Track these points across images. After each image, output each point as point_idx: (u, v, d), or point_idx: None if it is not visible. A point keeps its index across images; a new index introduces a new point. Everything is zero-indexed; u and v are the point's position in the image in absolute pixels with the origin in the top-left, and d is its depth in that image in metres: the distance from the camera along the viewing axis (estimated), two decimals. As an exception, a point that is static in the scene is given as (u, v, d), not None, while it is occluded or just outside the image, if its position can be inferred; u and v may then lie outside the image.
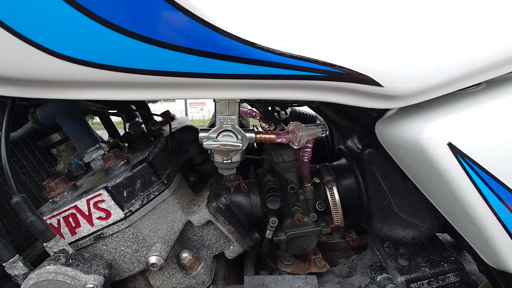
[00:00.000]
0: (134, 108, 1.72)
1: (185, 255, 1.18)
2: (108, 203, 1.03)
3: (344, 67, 0.75)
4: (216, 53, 0.72)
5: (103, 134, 1.89)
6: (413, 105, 0.87)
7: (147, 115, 1.62)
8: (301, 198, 1.31)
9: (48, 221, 1.01)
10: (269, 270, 1.40)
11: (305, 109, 2.14)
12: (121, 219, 1.05)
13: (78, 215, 1.02)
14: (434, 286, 1.20)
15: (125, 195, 1.06)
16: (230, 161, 1.02)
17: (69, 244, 1.02)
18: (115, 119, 1.86)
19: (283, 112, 2.17)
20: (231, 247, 1.28)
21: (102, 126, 1.86)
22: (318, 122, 1.93)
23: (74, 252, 0.97)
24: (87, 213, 1.03)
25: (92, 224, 1.04)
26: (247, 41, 0.71)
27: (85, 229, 1.04)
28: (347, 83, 0.79)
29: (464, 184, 0.83)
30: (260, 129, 1.62)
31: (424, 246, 1.32)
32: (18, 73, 0.73)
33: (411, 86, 0.80)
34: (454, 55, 0.78)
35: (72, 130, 1.19)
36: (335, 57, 0.75)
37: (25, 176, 1.43)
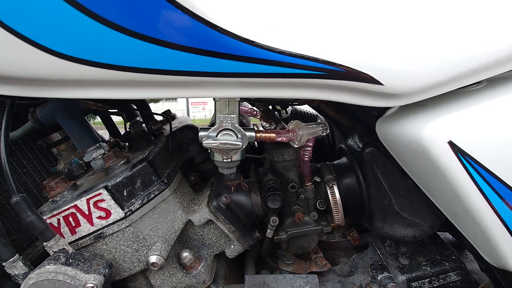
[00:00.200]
0: (135, 107, 1.72)
1: (185, 254, 1.18)
2: (108, 202, 1.03)
3: (344, 65, 0.75)
4: (215, 51, 0.71)
5: (105, 134, 1.89)
6: (414, 103, 0.87)
7: (148, 114, 1.62)
8: (302, 197, 1.30)
9: (48, 221, 1.01)
10: (270, 269, 1.40)
11: (306, 107, 2.14)
12: (121, 219, 1.05)
13: (78, 214, 1.02)
14: (435, 285, 1.19)
15: (125, 194, 1.05)
16: (230, 160, 1.02)
17: (69, 243, 1.02)
18: (116, 119, 1.86)
19: (284, 111, 2.17)
20: (232, 246, 1.28)
21: (104, 125, 1.86)
22: (318, 121, 1.93)
23: (74, 251, 0.97)
24: (87, 213, 1.02)
25: (92, 224, 1.03)
26: (247, 39, 0.71)
27: (85, 228, 1.04)
28: (347, 81, 0.79)
29: (465, 183, 0.83)
30: (260, 128, 1.62)
31: (425, 245, 1.32)
32: (18, 72, 0.73)
33: (411, 84, 0.79)
34: (455, 53, 0.77)
35: (72, 130, 1.19)
36: (335, 55, 0.75)
37: (26, 175, 1.43)
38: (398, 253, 1.29)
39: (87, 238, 1.05)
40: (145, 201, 1.09)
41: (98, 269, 0.96)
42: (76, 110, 1.20)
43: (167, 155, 1.33)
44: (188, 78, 0.76)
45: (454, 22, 0.76)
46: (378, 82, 0.77)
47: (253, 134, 1.00)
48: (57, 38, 0.68)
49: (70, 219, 1.02)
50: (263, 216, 1.31)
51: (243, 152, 1.03)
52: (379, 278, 1.20)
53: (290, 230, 1.28)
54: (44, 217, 1.00)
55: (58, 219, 1.02)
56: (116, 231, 1.06)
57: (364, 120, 1.38)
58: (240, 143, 0.96)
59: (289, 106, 2.14)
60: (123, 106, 1.67)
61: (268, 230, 1.26)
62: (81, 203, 1.02)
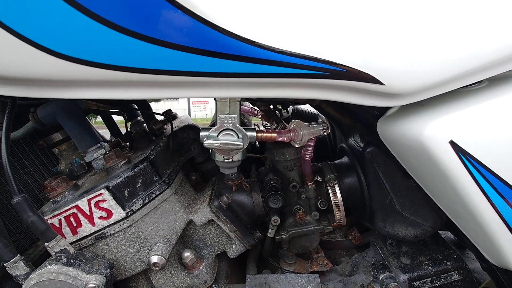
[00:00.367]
0: (136, 107, 1.72)
1: (187, 254, 1.18)
2: (109, 202, 1.03)
3: (345, 65, 0.75)
4: (216, 51, 0.71)
5: (106, 133, 1.89)
6: (415, 103, 0.87)
7: (149, 114, 1.62)
8: (303, 197, 1.30)
9: (49, 221, 1.01)
10: (271, 269, 1.40)
11: (307, 107, 2.14)
12: (123, 219, 1.05)
13: (79, 214, 1.02)
14: (437, 284, 1.19)
15: (126, 194, 1.05)
16: (231, 160, 1.02)
17: (71, 244, 1.02)
18: (117, 119, 1.86)
19: (285, 110, 2.16)
20: (233, 246, 1.28)
21: (105, 125, 1.86)
22: (320, 120, 1.93)
23: (75, 252, 0.97)
24: (88, 213, 1.03)
25: (93, 224, 1.04)
26: (247, 39, 0.71)
27: (86, 228, 1.04)
28: (348, 81, 0.78)
29: (466, 182, 0.83)
30: (262, 127, 1.62)
31: (427, 244, 1.32)
32: (18, 73, 0.73)
33: (412, 84, 0.79)
34: (456, 52, 0.77)
35: (73, 130, 1.19)
36: (335, 55, 0.74)
37: (27, 175, 1.43)
38: (400, 253, 1.29)
39: (89, 238, 1.05)
40: (146, 201, 1.09)
41: (99, 269, 0.96)
42: (77, 110, 1.20)
43: (168, 155, 1.33)
44: (188, 78, 0.76)
45: (455, 22, 0.75)
46: (379, 82, 0.77)
47: (254, 134, 1.00)
48: (57, 38, 0.68)
49: (72, 219, 1.03)
50: (265, 216, 1.31)
51: (244, 152, 1.03)
52: (380, 278, 1.20)
53: (292, 230, 1.28)
54: (45, 218, 1.00)
55: (60, 219, 1.02)
56: (118, 231, 1.06)
57: (365, 119, 1.38)
58: (241, 143, 0.96)
59: (290, 106, 2.13)
60: (124, 106, 1.67)
61: (270, 230, 1.26)
62: (83, 203, 1.02)
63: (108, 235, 1.05)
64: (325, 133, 1.13)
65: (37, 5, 0.65)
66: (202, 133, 0.97)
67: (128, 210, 1.05)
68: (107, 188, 1.03)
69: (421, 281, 1.19)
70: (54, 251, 0.94)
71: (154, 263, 1.07)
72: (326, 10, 0.73)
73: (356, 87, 0.80)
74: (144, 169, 1.10)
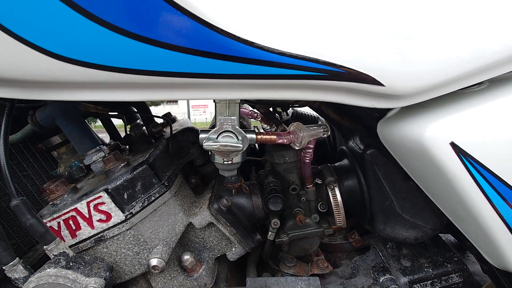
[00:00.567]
0: (135, 110, 1.72)
1: (186, 257, 1.18)
2: (109, 205, 1.02)
3: (345, 66, 0.75)
4: (215, 52, 0.71)
5: (105, 137, 1.89)
6: (415, 104, 0.87)
7: (148, 117, 1.62)
8: (303, 199, 1.30)
9: (48, 224, 1.01)
10: (271, 272, 1.39)
11: (307, 109, 2.14)
12: (122, 222, 1.04)
13: (78, 217, 1.02)
14: (437, 287, 1.19)
15: (125, 197, 1.05)
16: (230, 162, 1.02)
17: (70, 247, 1.01)
18: (116, 122, 1.85)
19: (285, 113, 2.16)
20: (233, 249, 1.28)
21: (104, 129, 1.86)
22: (319, 122, 1.93)
23: (74, 255, 0.96)
24: (87, 216, 1.02)
25: (92, 227, 1.03)
26: (246, 40, 0.71)
27: (85, 231, 1.03)
28: (348, 82, 0.78)
29: (467, 183, 0.82)
30: (261, 130, 1.62)
31: (427, 247, 1.31)
32: (16, 75, 0.73)
33: (413, 85, 0.79)
34: (456, 54, 0.77)
35: (72, 133, 1.19)
36: (335, 56, 0.74)
37: (26, 178, 1.43)
38: (400, 255, 1.29)
39: (88, 241, 1.05)
40: (145, 204, 1.08)
41: (98, 272, 0.95)
42: (76, 113, 1.20)
43: (168, 157, 1.33)
44: (187, 80, 0.76)
45: (455, 23, 0.75)
46: (379, 83, 0.77)
47: (253, 136, 1.00)
48: (55, 39, 0.68)
49: (71, 222, 1.02)
50: (264, 219, 1.31)
51: (243, 154, 1.03)
52: (381, 280, 1.20)
53: (292, 233, 1.28)
54: (44, 221, 1.00)
55: (59, 222, 1.02)
56: (117, 234, 1.05)
57: (365, 121, 1.38)
58: (241, 145, 0.95)
59: (290, 108, 2.14)
60: (123, 108, 1.67)
61: (270, 233, 1.26)
62: (82, 206, 1.01)
63: (107, 238, 1.05)
64: (325, 135, 1.13)
65: (34, 6, 0.64)
66: (201, 135, 0.97)
67: (128, 212, 1.04)
68: (106, 191, 1.02)
69: (421, 283, 1.18)
70: (53, 254, 0.93)
71: (154, 266, 1.06)
72: (326, 11, 0.73)
73: (356, 88, 0.80)
74: (144, 172, 1.10)
